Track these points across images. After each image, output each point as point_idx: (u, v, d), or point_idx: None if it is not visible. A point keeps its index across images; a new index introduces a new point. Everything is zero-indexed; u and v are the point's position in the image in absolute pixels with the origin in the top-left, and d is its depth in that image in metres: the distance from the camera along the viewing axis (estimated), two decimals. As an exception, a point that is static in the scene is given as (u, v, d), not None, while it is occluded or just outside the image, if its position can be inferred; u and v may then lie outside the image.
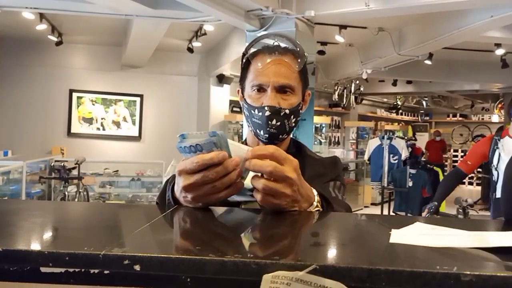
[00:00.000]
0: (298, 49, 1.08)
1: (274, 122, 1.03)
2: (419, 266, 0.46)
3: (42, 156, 7.19)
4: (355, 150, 11.20)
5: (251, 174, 0.75)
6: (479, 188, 12.33)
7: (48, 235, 0.57)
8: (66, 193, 5.81)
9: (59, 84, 8.11)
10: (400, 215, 6.53)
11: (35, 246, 0.50)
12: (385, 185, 6.66)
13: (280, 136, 1.07)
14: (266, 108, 1.03)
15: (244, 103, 1.10)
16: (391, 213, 6.69)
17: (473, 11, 4.83)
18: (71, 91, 8.19)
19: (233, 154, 0.74)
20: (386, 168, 6.68)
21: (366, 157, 7.62)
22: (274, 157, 0.73)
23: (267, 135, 1.05)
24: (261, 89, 1.05)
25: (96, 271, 0.50)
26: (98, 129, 8.40)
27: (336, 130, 11.88)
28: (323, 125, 9.71)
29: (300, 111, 1.10)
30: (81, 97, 8.29)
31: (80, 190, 6.10)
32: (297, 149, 1.16)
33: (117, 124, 8.49)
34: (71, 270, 0.50)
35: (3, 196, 5.66)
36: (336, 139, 11.78)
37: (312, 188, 0.81)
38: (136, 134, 8.52)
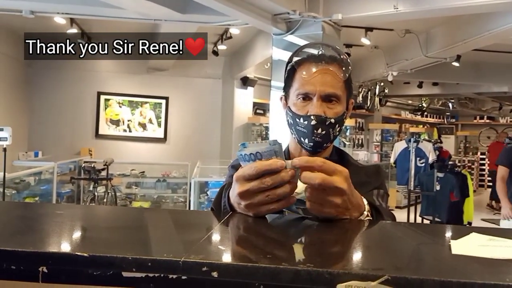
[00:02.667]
0: (343, 58, 1.09)
1: (319, 131, 1.04)
2: (489, 279, 0.47)
3: (71, 157, 7.38)
4: (379, 153, 11.07)
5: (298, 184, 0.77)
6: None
7: (127, 241, 0.61)
8: (96, 193, 5.95)
9: (88, 87, 8.30)
10: (427, 223, 6.44)
11: (119, 252, 0.53)
12: (412, 188, 6.58)
13: (325, 145, 1.08)
14: (312, 117, 1.04)
15: (288, 111, 1.11)
16: (418, 217, 6.61)
17: (503, 14, 4.74)
18: (99, 94, 8.37)
19: None
20: (412, 171, 6.59)
21: (392, 160, 7.54)
22: (323, 169, 0.74)
23: (311, 144, 1.06)
24: (306, 97, 1.06)
25: (175, 276, 0.53)
26: (125, 130, 8.55)
27: (360, 132, 11.78)
28: (347, 127, 9.64)
29: (344, 120, 1.11)
30: (108, 100, 8.46)
31: (109, 191, 6.23)
32: (340, 157, 1.17)
33: (143, 126, 8.63)
34: (151, 275, 0.53)
35: (35, 196, 5.83)
36: (360, 141, 11.68)
37: (362, 197, 0.83)
38: (162, 136, 8.64)
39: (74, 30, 6.53)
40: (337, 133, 1.09)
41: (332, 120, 1.05)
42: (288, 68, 1.12)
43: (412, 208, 6.72)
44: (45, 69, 8.04)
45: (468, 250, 0.59)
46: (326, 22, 4.77)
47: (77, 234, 0.64)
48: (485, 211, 9.68)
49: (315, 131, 1.04)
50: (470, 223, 6.32)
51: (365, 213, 0.82)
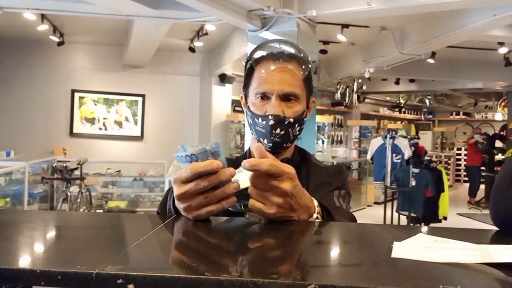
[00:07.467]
0: (302, 55, 1.05)
1: (278, 131, 1.01)
2: (421, 286, 0.45)
3: (44, 157, 7.18)
4: (358, 149, 11.17)
5: (244, 181, 0.73)
6: (482, 186, 12.19)
7: (41, 251, 0.56)
8: (69, 193, 5.80)
9: (61, 84, 8.10)
10: (403, 218, 6.51)
11: (28, 264, 0.49)
12: (388, 184, 6.64)
13: (284, 145, 1.05)
14: (270, 117, 1.00)
15: (248, 110, 1.07)
16: (394, 212, 6.67)
17: (476, 10, 4.80)
18: (73, 91, 8.19)
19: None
20: (389, 167, 6.65)
21: (369, 156, 7.59)
22: (270, 173, 0.71)
23: (270, 144, 1.02)
24: (265, 97, 1.03)
25: (89, 289, 0.48)
26: (100, 129, 8.40)
27: (338, 129, 11.85)
28: (326, 124, 9.68)
29: (305, 119, 1.07)
30: (83, 97, 8.29)
31: (83, 191, 6.09)
32: (302, 157, 1.14)
33: (119, 124, 8.49)
34: (63, 288, 0.49)
35: (6, 197, 5.66)
36: (339, 138, 11.75)
37: (313, 199, 0.80)
38: (138, 134, 8.51)
39: (45, 26, 6.37)
40: (297, 132, 1.06)
41: (291, 120, 1.02)
42: (246, 66, 1.08)
43: (389, 204, 6.78)
44: (16, 66, 7.83)
45: (408, 253, 0.57)
46: (301, 19, 4.76)
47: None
48: (461, 206, 9.85)
49: (274, 131, 1.01)
50: (445, 218, 6.41)
51: (315, 215, 0.79)
